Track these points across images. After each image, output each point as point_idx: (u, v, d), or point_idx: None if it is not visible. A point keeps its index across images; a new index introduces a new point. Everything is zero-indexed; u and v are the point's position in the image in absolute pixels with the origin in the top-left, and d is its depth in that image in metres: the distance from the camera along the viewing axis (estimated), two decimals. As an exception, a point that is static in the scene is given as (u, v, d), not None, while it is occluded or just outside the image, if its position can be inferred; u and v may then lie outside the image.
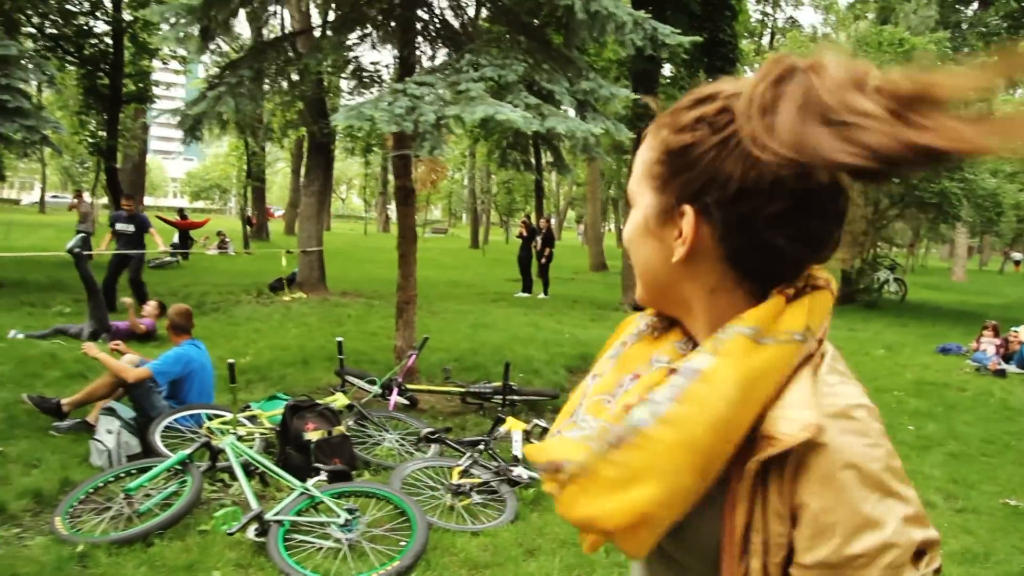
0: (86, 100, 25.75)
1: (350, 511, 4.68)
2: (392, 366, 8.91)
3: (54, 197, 68.64)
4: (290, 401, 6.09)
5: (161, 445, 5.84)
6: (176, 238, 27.41)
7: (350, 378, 8.03)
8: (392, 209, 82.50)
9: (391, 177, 60.95)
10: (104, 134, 24.82)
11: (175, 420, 6.25)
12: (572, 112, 7.83)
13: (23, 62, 14.71)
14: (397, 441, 6.58)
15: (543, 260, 20.00)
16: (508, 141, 9.30)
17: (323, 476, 5.05)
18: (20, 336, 10.09)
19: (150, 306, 9.97)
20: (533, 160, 11.25)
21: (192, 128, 8.77)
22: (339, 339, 7.64)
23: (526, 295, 19.86)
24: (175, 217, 29.12)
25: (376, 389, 7.60)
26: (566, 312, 16.52)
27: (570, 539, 4.98)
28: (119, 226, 14.02)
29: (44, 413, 6.50)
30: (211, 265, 24.07)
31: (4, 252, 20.30)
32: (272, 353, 9.83)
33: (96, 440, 5.84)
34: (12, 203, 72.61)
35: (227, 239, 29.14)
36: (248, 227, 33.47)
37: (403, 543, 4.60)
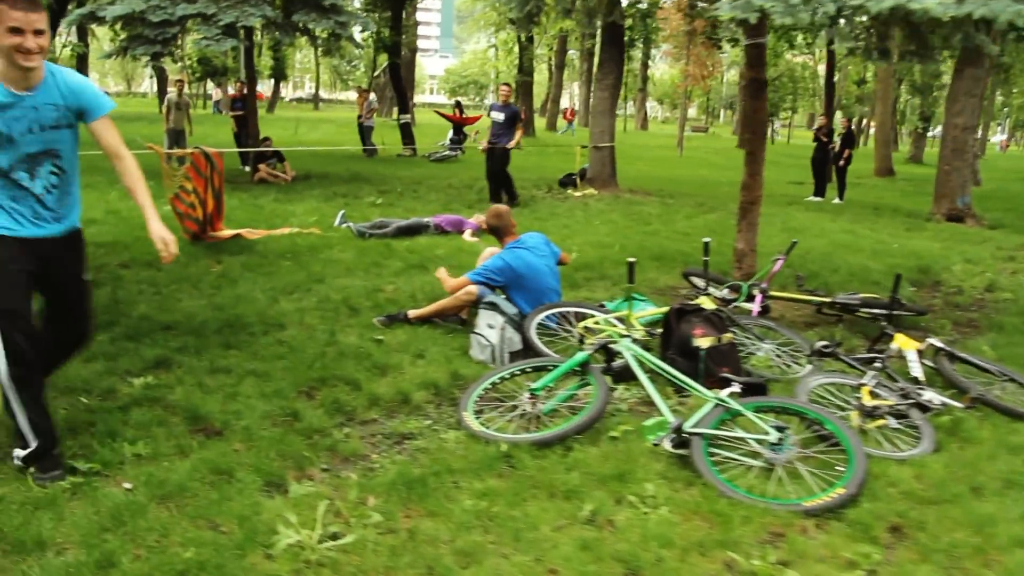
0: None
1: (778, 428, 4.25)
2: (726, 269, 8.43)
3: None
4: (675, 304, 5.72)
5: (539, 343, 5.64)
6: (451, 133, 27.86)
7: (695, 279, 7.60)
8: (651, 106, 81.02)
9: (651, 72, 59.58)
10: (388, 30, 25.31)
11: (546, 317, 6.04)
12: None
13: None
14: (773, 351, 6.10)
15: (842, 163, 18.66)
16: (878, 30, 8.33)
17: (735, 388, 4.63)
18: (348, 225, 10.35)
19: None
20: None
21: (529, 16, 8.53)
22: (706, 240, 7.17)
23: (818, 199, 18.67)
24: (452, 112, 29.59)
25: (729, 294, 7.11)
26: (874, 220, 15.30)
27: (1018, 479, 4.35)
28: (493, 114, 14.28)
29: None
30: (484, 160, 24.23)
31: (301, 147, 21.33)
32: (595, 251, 9.55)
33: (477, 334, 5.72)
34: (297, 101, 76.80)
35: (498, 135, 29.29)
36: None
37: (840, 468, 4.13)
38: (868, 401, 4.95)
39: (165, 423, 4.35)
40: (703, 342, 5.33)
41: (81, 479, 3.70)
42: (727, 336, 5.46)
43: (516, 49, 41.40)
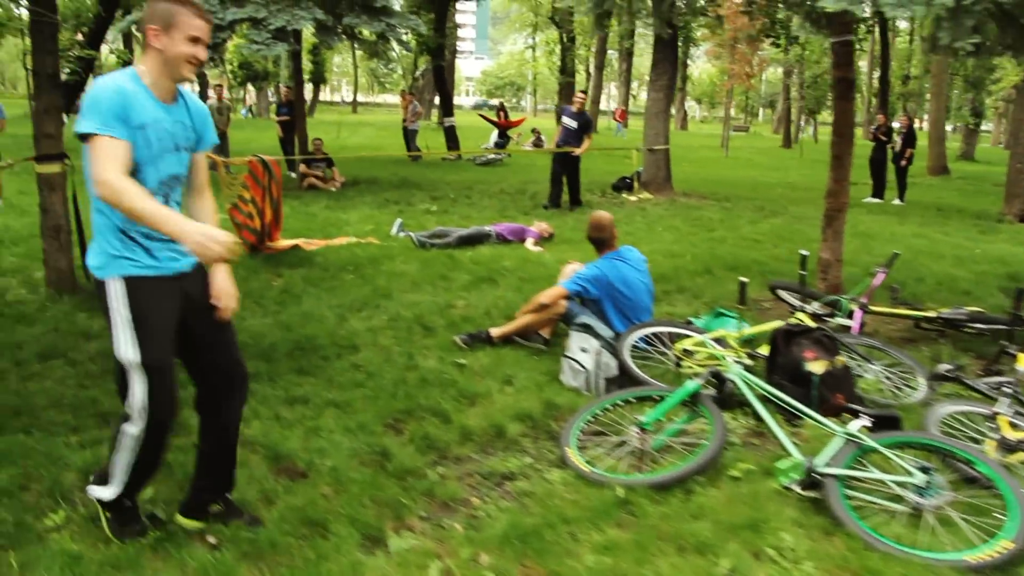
0: (418, -1, 26.14)
1: (923, 469, 3.80)
2: (809, 280, 7.96)
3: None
4: (783, 325, 5.27)
5: (636, 368, 5.22)
6: (495, 136, 27.53)
7: (784, 294, 7.14)
8: (690, 106, 79.68)
9: (690, 71, 58.80)
10: (432, 32, 25.00)
11: (638, 339, 5.61)
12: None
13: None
14: (882, 374, 5.63)
15: (903, 163, 18.04)
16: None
17: (865, 421, 4.18)
18: (409, 235, 9.98)
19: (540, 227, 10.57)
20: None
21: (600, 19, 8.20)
22: (804, 252, 6.70)
23: (877, 200, 18.06)
24: (495, 116, 29.29)
25: (820, 309, 6.61)
26: (942, 222, 14.69)
27: None
28: (565, 119, 13.99)
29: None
30: (531, 162, 23.79)
31: (346, 153, 21.04)
32: (667, 260, 9.11)
33: (569, 358, 5.30)
34: (334, 104, 76.64)
35: (542, 136, 28.96)
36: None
37: (998, 515, 3.67)
38: (1009, 433, 4.48)
39: (245, 463, 3.97)
40: (816, 367, 4.89)
41: (161, 533, 3.34)
42: (840, 359, 5.02)
43: (558, 50, 40.94)
